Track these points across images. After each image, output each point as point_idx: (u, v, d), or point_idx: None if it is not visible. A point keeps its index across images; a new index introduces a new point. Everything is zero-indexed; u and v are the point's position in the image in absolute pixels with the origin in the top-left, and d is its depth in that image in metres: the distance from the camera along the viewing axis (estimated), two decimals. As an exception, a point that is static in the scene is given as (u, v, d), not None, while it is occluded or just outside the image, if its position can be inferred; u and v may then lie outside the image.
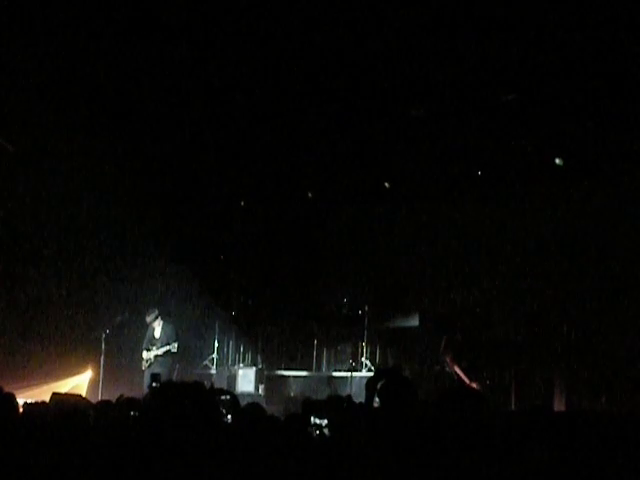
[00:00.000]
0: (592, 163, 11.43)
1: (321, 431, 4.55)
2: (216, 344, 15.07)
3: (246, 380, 14.25)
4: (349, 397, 5.68)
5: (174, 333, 12.92)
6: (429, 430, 3.52)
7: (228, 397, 13.09)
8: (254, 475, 3.48)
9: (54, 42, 9.92)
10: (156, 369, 12.22)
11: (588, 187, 11.91)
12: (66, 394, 5.50)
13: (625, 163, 11.24)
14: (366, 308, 13.65)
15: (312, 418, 4.75)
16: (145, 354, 12.85)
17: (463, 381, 10.53)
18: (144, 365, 12.85)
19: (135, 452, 3.12)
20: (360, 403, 5.68)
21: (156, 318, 12.92)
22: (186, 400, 2.83)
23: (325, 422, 4.61)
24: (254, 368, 14.60)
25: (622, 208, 11.56)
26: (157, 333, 12.92)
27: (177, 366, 12.93)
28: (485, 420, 3.32)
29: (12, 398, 4.97)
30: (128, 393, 6.68)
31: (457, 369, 10.70)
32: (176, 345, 12.66)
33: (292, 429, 4.24)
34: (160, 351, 12.68)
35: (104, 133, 11.95)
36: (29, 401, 5.16)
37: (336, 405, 4.94)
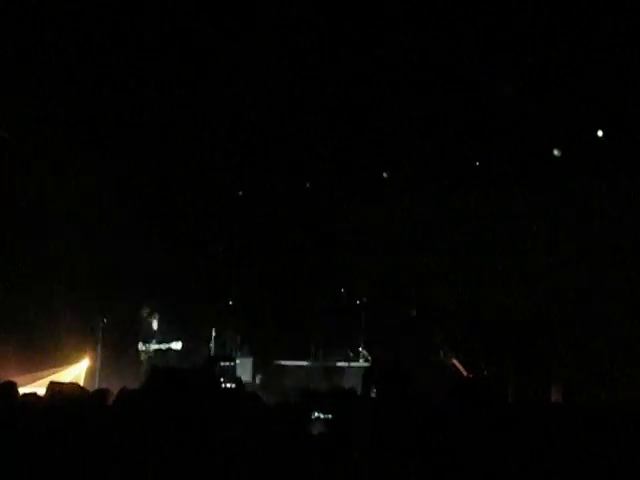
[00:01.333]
0: (592, 156, 11.41)
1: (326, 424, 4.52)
2: (213, 333, 15.07)
3: (243, 370, 14.26)
4: (351, 389, 5.66)
5: (171, 327, 12.94)
6: (429, 421, 3.53)
7: (232, 364, 13.29)
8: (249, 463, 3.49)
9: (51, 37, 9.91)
10: (156, 362, 12.27)
11: (587, 181, 11.92)
12: (63, 383, 5.51)
13: (626, 157, 11.24)
14: (364, 299, 13.67)
15: (315, 413, 4.72)
16: (143, 346, 12.82)
17: (461, 373, 10.55)
18: (142, 356, 12.84)
19: (132, 439, 3.12)
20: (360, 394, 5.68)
21: (152, 312, 12.90)
22: (184, 383, 2.84)
23: (330, 416, 4.57)
24: (251, 358, 14.60)
25: (622, 202, 11.57)
26: (155, 326, 12.91)
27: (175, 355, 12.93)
28: (497, 410, 3.34)
29: (13, 387, 4.97)
30: (126, 382, 6.68)
31: (455, 361, 10.72)
32: (180, 344, 12.67)
33: (289, 419, 4.24)
34: (162, 346, 12.66)
35: (99, 125, 11.95)
36: (27, 390, 5.17)
37: (338, 397, 4.92)
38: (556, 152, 11.76)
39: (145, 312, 12.94)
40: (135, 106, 11.74)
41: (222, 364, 12.10)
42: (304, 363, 14.10)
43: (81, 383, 11.77)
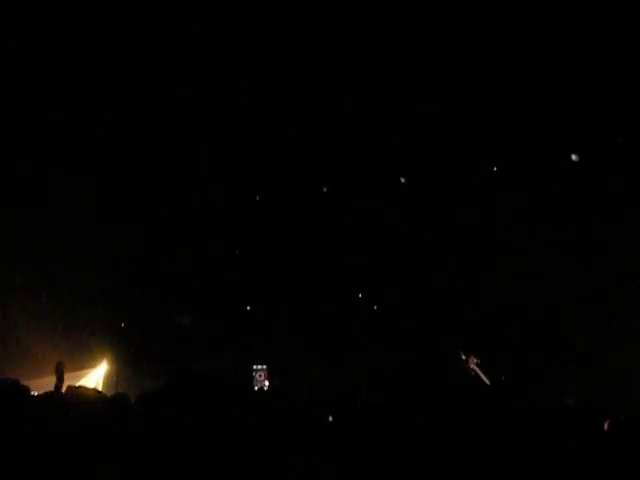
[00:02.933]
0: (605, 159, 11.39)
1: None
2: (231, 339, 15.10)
3: (260, 376, 14.34)
4: (357, 393, 5.68)
5: (192, 332, 13.08)
6: (441, 426, 3.53)
7: (264, 367, 14.15)
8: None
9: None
10: (174, 366, 12.37)
11: (598, 186, 11.86)
12: (81, 387, 5.55)
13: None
14: (381, 304, 13.66)
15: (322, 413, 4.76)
16: (163, 351, 12.94)
17: (479, 378, 10.51)
18: (161, 362, 12.93)
19: (150, 442, 3.14)
20: (368, 398, 5.70)
21: (182, 318, 13.08)
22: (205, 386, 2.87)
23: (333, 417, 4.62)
24: (267, 364, 14.66)
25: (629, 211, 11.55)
26: (176, 330, 13.04)
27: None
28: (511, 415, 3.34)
29: (26, 391, 5.02)
30: (146, 387, 6.72)
31: (473, 366, 10.69)
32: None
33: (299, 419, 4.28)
34: (181, 352, 12.80)
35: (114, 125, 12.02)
36: (42, 392, 5.22)
37: (343, 400, 4.96)
38: (574, 157, 11.72)
39: (176, 320, 13.07)
40: (150, 115, 11.82)
41: (255, 367, 12.81)
42: (319, 368, 14.10)
43: (100, 387, 11.87)
